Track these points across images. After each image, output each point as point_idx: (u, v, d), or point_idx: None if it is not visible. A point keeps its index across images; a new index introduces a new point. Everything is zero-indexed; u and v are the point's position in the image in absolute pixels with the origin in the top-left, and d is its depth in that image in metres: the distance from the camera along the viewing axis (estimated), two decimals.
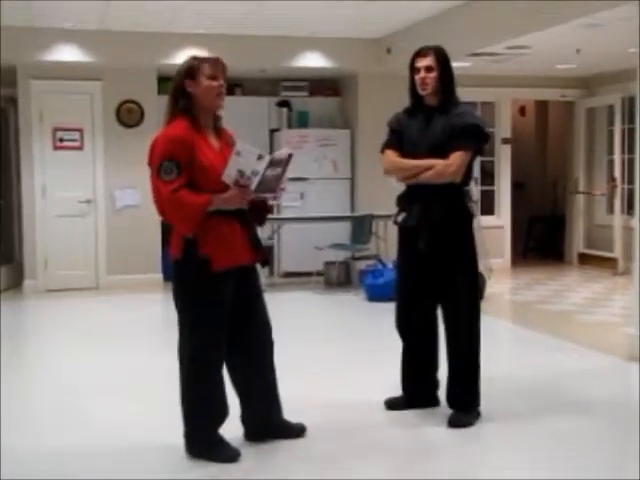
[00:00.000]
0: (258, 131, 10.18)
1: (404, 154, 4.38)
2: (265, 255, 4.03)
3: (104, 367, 5.82)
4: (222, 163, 3.70)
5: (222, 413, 3.89)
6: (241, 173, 3.63)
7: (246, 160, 3.64)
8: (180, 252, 3.75)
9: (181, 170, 3.65)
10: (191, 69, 3.80)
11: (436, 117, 4.32)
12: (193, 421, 3.86)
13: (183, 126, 3.73)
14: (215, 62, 3.83)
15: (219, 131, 3.92)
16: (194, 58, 3.85)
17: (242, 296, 3.87)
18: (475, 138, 4.30)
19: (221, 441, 3.88)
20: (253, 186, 3.66)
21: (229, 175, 3.64)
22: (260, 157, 3.66)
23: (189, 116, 3.77)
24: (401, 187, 4.52)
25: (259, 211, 3.96)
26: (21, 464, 3.90)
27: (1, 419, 4.48)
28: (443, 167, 4.24)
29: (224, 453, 3.84)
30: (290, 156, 3.78)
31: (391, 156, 4.43)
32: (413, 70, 4.36)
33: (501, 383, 5.10)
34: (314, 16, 8.48)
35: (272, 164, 3.69)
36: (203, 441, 3.87)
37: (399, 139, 4.43)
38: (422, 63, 4.32)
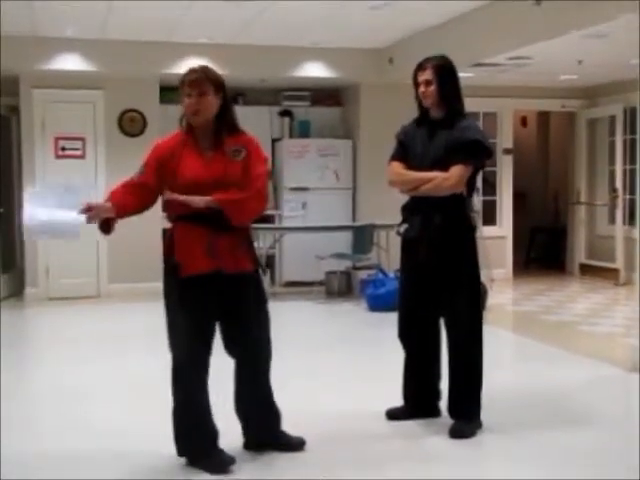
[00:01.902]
0: (260, 141, 10.17)
1: (409, 166, 4.40)
2: (224, 264, 3.80)
3: (104, 374, 5.81)
4: (203, 173, 3.75)
5: (204, 419, 3.88)
6: None
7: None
8: (163, 257, 3.87)
9: (145, 172, 3.84)
10: (180, 84, 3.85)
11: (440, 130, 4.34)
12: (178, 426, 3.88)
13: (173, 137, 3.89)
14: (190, 79, 3.81)
15: (221, 140, 3.87)
16: (185, 72, 3.89)
17: (228, 307, 3.84)
18: (476, 153, 4.31)
19: (214, 450, 3.87)
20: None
21: None
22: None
23: (185, 128, 3.87)
24: (405, 197, 4.53)
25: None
26: (21, 468, 3.90)
27: (1, 424, 4.48)
28: (441, 180, 4.26)
29: (216, 462, 3.83)
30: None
31: (396, 168, 4.46)
32: (416, 83, 4.40)
33: (502, 393, 5.08)
34: (316, 26, 8.50)
35: None
36: (193, 448, 3.87)
37: (405, 151, 4.46)
38: (422, 77, 4.36)
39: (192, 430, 3.87)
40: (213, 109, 3.82)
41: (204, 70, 3.85)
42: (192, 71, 3.84)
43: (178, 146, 3.81)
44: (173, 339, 3.82)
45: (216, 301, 3.80)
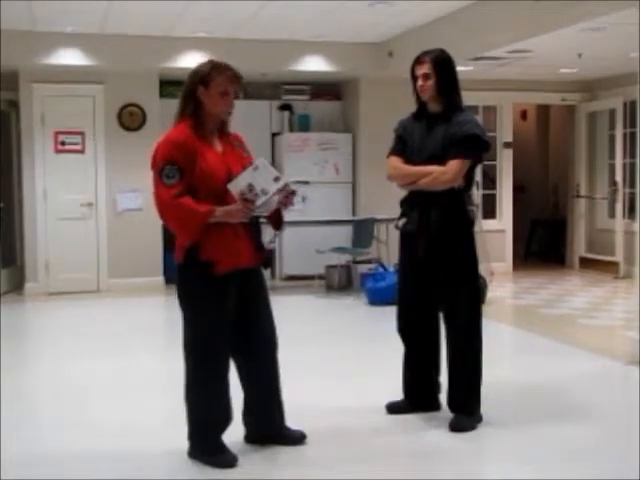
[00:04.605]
0: (260, 135, 10.20)
1: (407, 161, 4.40)
2: (267, 257, 4.00)
3: (105, 370, 5.81)
4: (223, 168, 3.71)
5: (224, 418, 3.88)
6: (250, 187, 3.61)
7: (261, 177, 3.63)
8: (183, 256, 3.75)
9: (182, 175, 3.64)
10: (206, 77, 3.74)
11: (438, 124, 4.33)
12: (195, 424, 3.87)
13: (186, 130, 3.73)
14: (231, 78, 3.77)
15: (224, 134, 3.90)
16: (213, 66, 3.77)
17: (245, 301, 3.86)
18: (474, 147, 4.30)
19: (222, 446, 3.87)
20: (258, 203, 3.65)
21: (237, 185, 3.62)
22: (277, 179, 3.66)
23: (195, 120, 3.76)
24: (404, 191, 4.53)
25: (275, 217, 3.95)
26: (21, 467, 3.90)
27: (2, 422, 4.48)
28: (439, 174, 4.26)
29: (222, 459, 3.83)
30: (292, 191, 3.78)
31: (394, 162, 4.45)
32: (414, 77, 4.39)
33: (502, 387, 5.09)
34: (315, 20, 8.49)
35: (281, 190, 3.70)
36: (203, 444, 3.87)
37: (404, 145, 4.45)
38: (419, 71, 4.35)
39: (214, 424, 3.86)
40: None
41: (236, 68, 3.81)
42: (229, 67, 3.78)
43: (193, 139, 3.71)
44: (200, 336, 3.77)
45: (240, 293, 3.82)
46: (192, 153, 3.67)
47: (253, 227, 3.84)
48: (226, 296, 3.76)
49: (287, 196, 3.77)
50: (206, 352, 3.78)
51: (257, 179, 3.63)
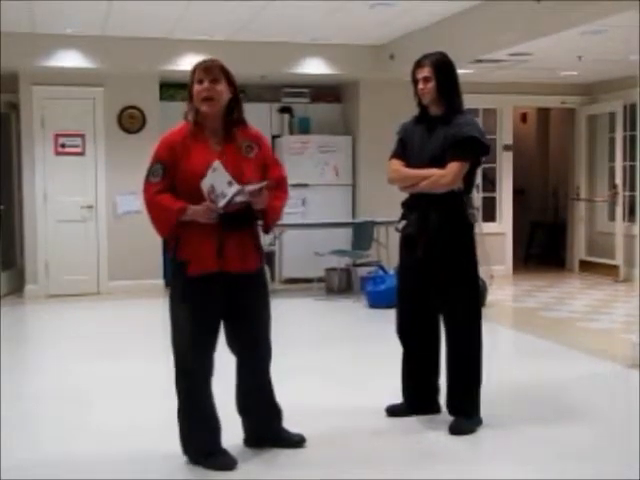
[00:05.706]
0: None
1: (408, 163, 4.40)
2: (232, 264, 3.77)
3: (105, 373, 5.81)
4: (206, 168, 3.69)
5: (210, 421, 3.87)
6: (212, 188, 3.65)
7: (219, 180, 3.66)
8: (169, 253, 3.85)
9: (166, 173, 3.72)
10: (191, 74, 3.81)
11: (438, 127, 4.34)
12: (183, 426, 3.89)
13: (182, 129, 3.79)
14: (203, 65, 3.79)
15: (230, 134, 3.84)
16: (195, 64, 3.85)
17: (233, 305, 3.83)
18: (473, 150, 4.30)
19: (221, 449, 3.87)
20: (220, 204, 3.65)
21: (205, 185, 3.66)
22: (230, 183, 3.67)
23: (191, 121, 3.79)
24: (405, 194, 4.53)
25: (262, 217, 3.92)
26: (22, 468, 3.90)
27: (2, 423, 4.48)
28: (438, 177, 4.26)
29: (222, 461, 3.82)
30: (261, 189, 3.75)
31: (395, 165, 4.47)
32: (415, 80, 4.40)
33: (502, 390, 5.09)
34: (316, 22, 8.49)
35: (241, 193, 3.67)
36: (203, 448, 3.86)
37: (404, 148, 4.46)
38: (420, 74, 4.37)
39: (196, 430, 3.87)
40: (224, 98, 3.77)
41: (216, 59, 3.83)
42: (204, 60, 3.83)
43: (186, 138, 3.75)
44: (177, 338, 3.81)
45: (221, 299, 3.79)
46: (180, 152, 3.72)
47: (223, 231, 3.74)
48: (198, 298, 3.74)
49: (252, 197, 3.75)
50: (181, 352, 3.80)
51: (217, 181, 3.67)
